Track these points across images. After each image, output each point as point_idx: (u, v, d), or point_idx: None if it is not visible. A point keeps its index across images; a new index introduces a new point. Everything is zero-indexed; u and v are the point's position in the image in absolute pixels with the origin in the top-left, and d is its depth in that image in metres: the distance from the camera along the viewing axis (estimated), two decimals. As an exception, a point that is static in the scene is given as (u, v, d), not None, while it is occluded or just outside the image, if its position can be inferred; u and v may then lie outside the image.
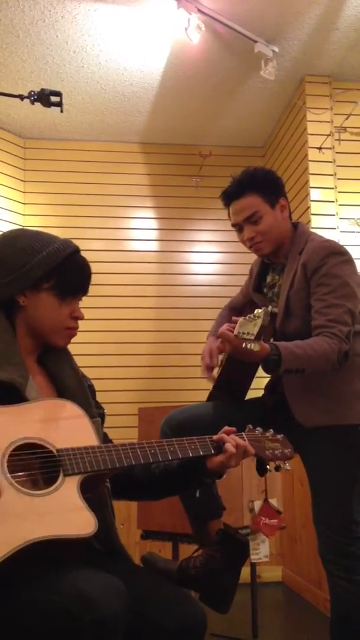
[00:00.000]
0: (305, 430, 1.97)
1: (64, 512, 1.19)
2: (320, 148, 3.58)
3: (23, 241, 1.44)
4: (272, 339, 2.10)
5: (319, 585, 3.26)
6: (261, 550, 1.57)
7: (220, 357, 2.21)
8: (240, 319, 1.71)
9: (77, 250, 1.49)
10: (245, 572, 1.94)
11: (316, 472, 2.05)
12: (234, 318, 1.79)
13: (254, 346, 1.67)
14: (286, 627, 3.21)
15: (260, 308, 1.70)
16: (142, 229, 4.35)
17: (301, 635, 2.90)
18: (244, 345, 1.68)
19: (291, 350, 1.83)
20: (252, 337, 1.66)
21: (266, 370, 1.88)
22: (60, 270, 1.44)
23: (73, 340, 1.59)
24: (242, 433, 1.52)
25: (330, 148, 3.60)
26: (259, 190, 2.08)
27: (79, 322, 1.53)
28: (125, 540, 1.46)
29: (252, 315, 1.68)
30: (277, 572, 3.95)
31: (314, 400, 1.99)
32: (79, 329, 1.54)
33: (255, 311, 1.68)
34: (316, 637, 2.79)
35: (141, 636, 1.18)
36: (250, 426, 1.58)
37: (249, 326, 1.67)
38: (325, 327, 1.91)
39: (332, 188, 3.59)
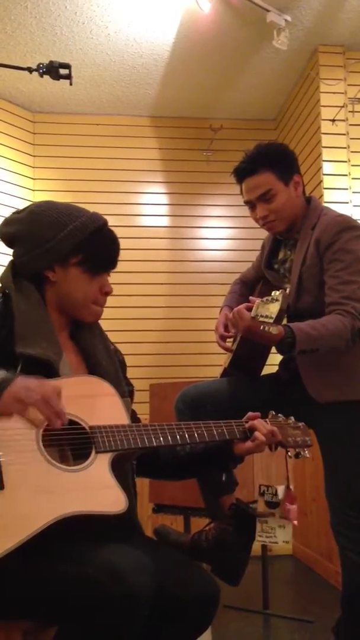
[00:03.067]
0: (318, 405, 1.97)
1: (96, 489, 1.22)
2: (333, 120, 3.52)
3: (50, 215, 1.43)
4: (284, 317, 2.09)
5: (329, 558, 3.29)
6: (277, 535, 1.57)
7: (232, 333, 2.20)
8: (258, 301, 1.68)
9: (104, 224, 1.47)
10: (256, 545, 1.96)
11: (329, 446, 2.06)
12: (251, 298, 1.77)
13: (272, 329, 1.63)
14: (297, 599, 3.25)
15: (278, 290, 1.66)
16: (152, 204, 4.32)
17: (311, 607, 2.94)
18: (262, 327, 1.65)
19: (305, 332, 1.82)
20: (271, 320, 1.62)
21: (281, 352, 1.87)
22: (87, 245, 1.42)
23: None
24: (266, 419, 1.53)
25: (343, 120, 3.53)
26: (273, 167, 2.03)
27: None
28: (139, 517, 1.48)
29: (269, 298, 1.64)
30: (288, 545, 3.98)
31: (327, 376, 1.99)
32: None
33: (273, 293, 1.65)
34: (326, 609, 2.82)
35: (155, 607, 1.21)
36: (273, 412, 1.59)
37: (268, 308, 1.63)
38: (339, 304, 1.89)
39: (346, 161, 3.53)
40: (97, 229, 1.44)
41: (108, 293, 1.50)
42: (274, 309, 1.62)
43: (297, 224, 2.09)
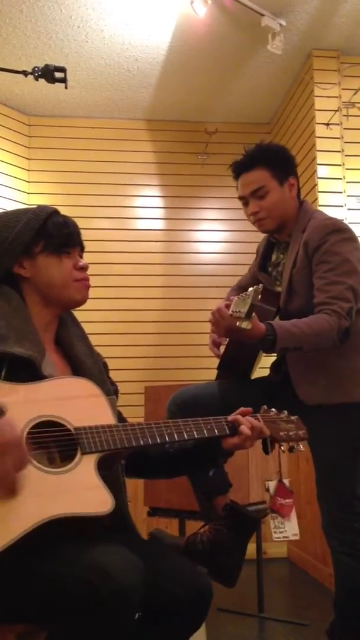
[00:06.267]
0: (308, 408, 1.98)
1: (81, 490, 1.21)
2: (327, 124, 3.54)
3: (2, 219, 1.48)
4: (277, 318, 2.10)
5: (324, 561, 3.29)
6: (287, 529, 1.60)
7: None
8: (235, 298, 1.71)
9: (55, 211, 1.52)
10: (251, 548, 1.96)
11: (319, 449, 2.06)
12: (230, 297, 1.79)
13: (245, 324, 1.67)
14: (291, 602, 3.25)
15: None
16: (147, 207, 4.33)
17: (306, 610, 2.94)
18: (237, 323, 1.68)
19: (287, 329, 1.84)
20: (242, 315, 1.66)
21: (263, 349, 1.88)
22: (44, 230, 1.47)
23: (79, 318, 1.60)
24: (257, 414, 1.53)
25: (338, 124, 3.55)
26: (269, 165, 2.07)
27: (88, 312, 1.55)
28: (132, 518, 1.47)
29: (244, 294, 1.68)
30: (283, 548, 3.99)
31: (317, 378, 2.00)
32: (84, 308, 1.54)
33: (249, 290, 1.68)
34: (321, 612, 2.82)
35: (150, 605, 1.21)
36: (265, 407, 1.59)
37: (241, 305, 1.67)
38: (326, 304, 1.91)
39: (340, 165, 3.54)
40: (49, 215, 1.49)
41: (83, 267, 1.51)
42: (245, 304, 1.65)
43: (288, 226, 2.11)
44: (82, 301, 1.52)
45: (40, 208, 1.51)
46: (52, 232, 1.47)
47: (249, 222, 2.17)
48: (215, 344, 2.19)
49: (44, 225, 1.47)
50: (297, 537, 1.65)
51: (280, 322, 1.88)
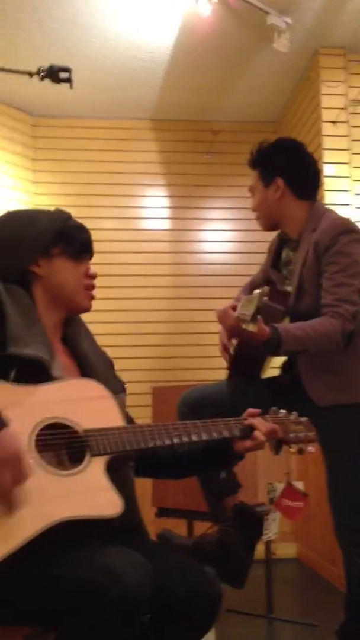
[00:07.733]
0: (319, 409, 1.96)
1: (90, 493, 1.21)
2: (334, 122, 3.52)
3: (22, 218, 1.52)
4: (287, 319, 2.09)
5: (333, 562, 3.27)
6: (271, 529, 1.61)
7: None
8: (243, 300, 1.71)
9: (70, 215, 1.55)
10: (260, 549, 1.95)
11: (330, 450, 2.05)
12: (240, 297, 1.79)
13: (250, 327, 1.68)
14: (301, 602, 3.24)
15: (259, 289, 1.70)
16: (153, 207, 4.32)
17: (315, 611, 2.93)
18: (243, 326, 1.69)
19: (292, 333, 1.85)
20: (248, 319, 1.67)
21: (268, 352, 1.88)
22: (64, 233, 1.50)
23: (86, 319, 1.60)
24: (267, 415, 1.52)
25: (344, 122, 3.53)
26: (259, 167, 2.15)
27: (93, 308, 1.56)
28: (142, 518, 1.47)
29: (250, 296, 1.68)
30: (292, 549, 3.97)
31: (328, 379, 1.99)
32: (91, 309, 1.55)
33: (254, 292, 1.68)
34: (330, 613, 2.81)
35: (158, 607, 1.21)
36: (275, 408, 1.58)
37: (246, 307, 1.68)
38: (332, 306, 1.91)
39: (347, 163, 3.53)
40: (67, 219, 1.53)
41: (94, 276, 1.54)
42: (251, 307, 1.66)
43: (282, 226, 2.14)
44: (88, 309, 1.55)
45: (59, 211, 1.54)
46: (72, 237, 1.50)
47: (255, 221, 2.21)
48: (225, 349, 2.19)
49: (63, 227, 1.50)
50: (275, 536, 1.65)
51: (285, 325, 1.89)
